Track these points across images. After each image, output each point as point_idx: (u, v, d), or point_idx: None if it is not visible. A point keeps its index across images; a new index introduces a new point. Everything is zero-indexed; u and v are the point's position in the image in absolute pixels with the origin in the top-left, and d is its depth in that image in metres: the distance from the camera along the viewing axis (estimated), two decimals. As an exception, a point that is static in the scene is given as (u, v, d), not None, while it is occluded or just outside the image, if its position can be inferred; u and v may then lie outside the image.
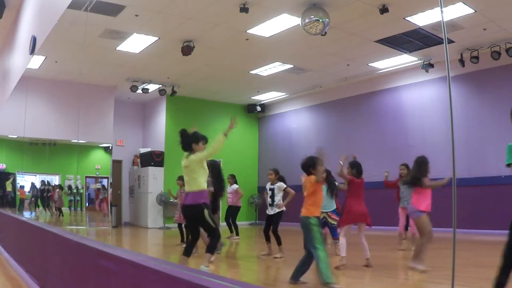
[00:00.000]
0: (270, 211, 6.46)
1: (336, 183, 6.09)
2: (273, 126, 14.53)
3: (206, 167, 4.67)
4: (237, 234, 8.93)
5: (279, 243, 6.28)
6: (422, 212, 4.80)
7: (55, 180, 11.79)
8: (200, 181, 4.56)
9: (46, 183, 11.57)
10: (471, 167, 8.99)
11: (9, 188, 10.98)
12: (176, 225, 8.36)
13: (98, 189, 12.47)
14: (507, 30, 8.11)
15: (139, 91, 11.81)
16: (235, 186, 9.03)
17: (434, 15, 7.39)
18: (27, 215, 10.67)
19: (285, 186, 6.47)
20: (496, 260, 3.05)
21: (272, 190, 6.47)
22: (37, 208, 11.40)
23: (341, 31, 8.26)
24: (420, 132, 10.41)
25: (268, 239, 6.51)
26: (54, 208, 11.61)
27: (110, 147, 12.33)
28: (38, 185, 11.58)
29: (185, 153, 4.74)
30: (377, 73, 11.00)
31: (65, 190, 11.66)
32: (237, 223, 9.10)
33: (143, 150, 13.22)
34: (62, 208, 11.67)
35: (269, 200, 6.50)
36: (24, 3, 7.98)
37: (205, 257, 4.59)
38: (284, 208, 6.41)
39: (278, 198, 6.41)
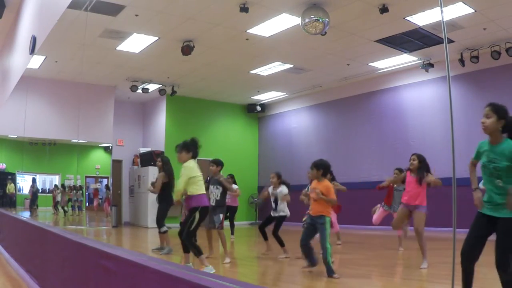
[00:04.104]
0: (274, 213, 6.47)
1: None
2: (273, 126, 14.53)
3: None
4: (232, 233, 8.99)
5: (281, 244, 6.27)
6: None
7: (55, 180, 11.79)
8: None
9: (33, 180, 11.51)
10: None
11: (12, 190, 10.98)
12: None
13: (96, 189, 12.48)
14: (507, 29, 8.11)
15: (139, 91, 11.82)
16: (234, 186, 9.04)
17: (434, 15, 7.39)
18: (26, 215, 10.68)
19: (286, 192, 6.43)
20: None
21: (275, 194, 6.47)
22: (34, 207, 11.40)
23: (341, 31, 8.26)
24: (420, 132, 10.41)
25: (265, 237, 6.53)
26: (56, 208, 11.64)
27: (110, 147, 12.33)
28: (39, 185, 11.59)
29: (195, 159, 4.91)
30: (377, 73, 11.00)
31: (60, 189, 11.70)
32: (237, 222, 9.11)
33: (143, 150, 13.22)
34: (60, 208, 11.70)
35: (273, 204, 6.50)
36: (24, 3, 7.98)
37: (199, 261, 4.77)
38: (288, 213, 6.42)
39: (284, 204, 6.40)
